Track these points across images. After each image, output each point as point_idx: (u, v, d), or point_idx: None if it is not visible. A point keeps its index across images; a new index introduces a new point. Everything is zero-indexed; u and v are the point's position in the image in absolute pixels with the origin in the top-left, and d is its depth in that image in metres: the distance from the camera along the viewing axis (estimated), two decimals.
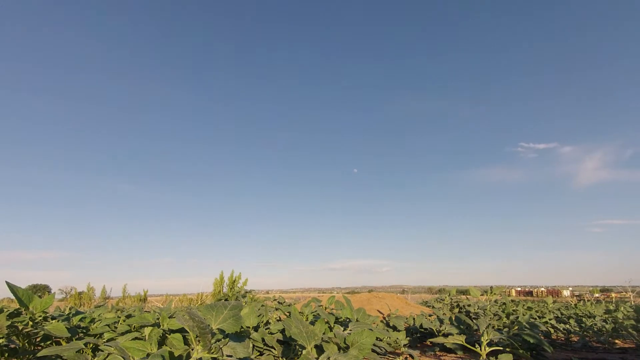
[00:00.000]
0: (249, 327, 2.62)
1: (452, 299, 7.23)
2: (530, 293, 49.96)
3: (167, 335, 2.24)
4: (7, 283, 2.00)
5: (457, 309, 6.45)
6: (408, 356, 3.38)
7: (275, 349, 2.45)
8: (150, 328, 2.29)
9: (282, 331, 2.68)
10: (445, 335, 3.56)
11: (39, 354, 1.77)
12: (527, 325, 4.07)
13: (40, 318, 2.25)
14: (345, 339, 2.37)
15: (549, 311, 6.97)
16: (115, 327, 2.68)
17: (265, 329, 2.69)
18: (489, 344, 3.09)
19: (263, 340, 2.51)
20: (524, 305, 6.48)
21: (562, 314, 6.78)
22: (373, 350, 2.76)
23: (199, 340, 1.30)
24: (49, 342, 2.44)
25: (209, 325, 1.30)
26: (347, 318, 3.18)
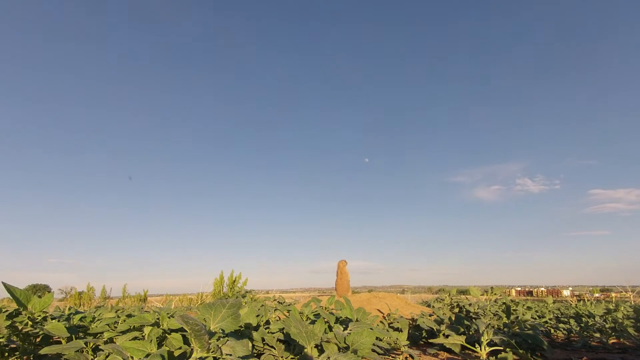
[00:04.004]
0: (249, 327, 2.61)
1: (452, 299, 7.21)
2: (530, 293, 49.89)
3: (166, 334, 2.24)
4: (4, 284, 1.98)
5: (457, 309, 6.44)
6: (408, 356, 3.37)
7: (275, 349, 2.44)
8: (150, 328, 2.28)
9: (283, 330, 2.68)
10: (446, 336, 3.55)
11: (41, 352, 1.77)
12: (527, 325, 4.06)
13: (39, 318, 2.25)
14: (345, 338, 2.36)
15: (549, 311, 6.96)
16: (115, 327, 2.68)
17: (265, 329, 2.69)
18: (489, 344, 3.08)
19: (263, 339, 2.51)
20: (523, 305, 6.47)
21: (562, 313, 6.77)
22: (373, 350, 2.76)
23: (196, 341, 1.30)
24: (50, 342, 2.44)
25: (204, 326, 1.30)
26: (347, 318, 3.17)
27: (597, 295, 28.89)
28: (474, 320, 3.79)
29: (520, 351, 2.94)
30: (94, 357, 2.09)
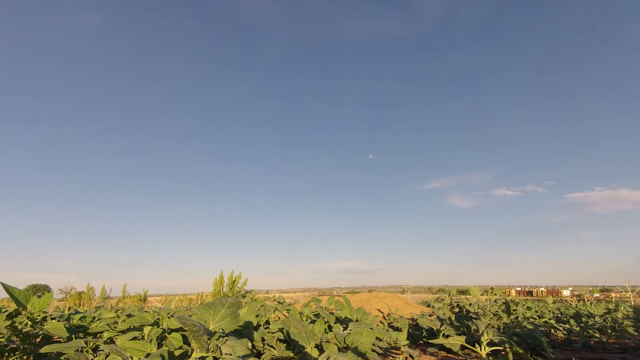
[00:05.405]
0: (249, 326, 2.61)
1: (452, 299, 7.21)
2: (530, 293, 49.90)
3: (166, 334, 2.24)
4: (3, 284, 1.98)
5: (457, 309, 6.44)
6: (408, 356, 3.37)
7: (275, 348, 2.44)
8: (149, 327, 2.28)
9: (283, 330, 2.68)
10: (446, 336, 3.55)
11: (41, 350, 1.77)
12: (527, 325, 4.06)
13: (39, 318, 2.25)
14: (345, 338, 2.36)
15: (549, 311, 6.96)
16: (115, 327, 2.68)
17: (265, 329, 2.69)
18: (489, 344, 3.08)
19: (263, 339, 2.51)
20: (523, 305, 6.46)
21: (562, 313, 6.77)
22: (373, 350, 2.75)
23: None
24: (50, 342, 2.44)
25: (203, 326, 1.29)
26: (347, 318, 3.17)
27: (597, 295, 28.87)
28: (474, 320, 3.79)
29: (520, 351, 2.94)
30: (94, 357, 2.09)
